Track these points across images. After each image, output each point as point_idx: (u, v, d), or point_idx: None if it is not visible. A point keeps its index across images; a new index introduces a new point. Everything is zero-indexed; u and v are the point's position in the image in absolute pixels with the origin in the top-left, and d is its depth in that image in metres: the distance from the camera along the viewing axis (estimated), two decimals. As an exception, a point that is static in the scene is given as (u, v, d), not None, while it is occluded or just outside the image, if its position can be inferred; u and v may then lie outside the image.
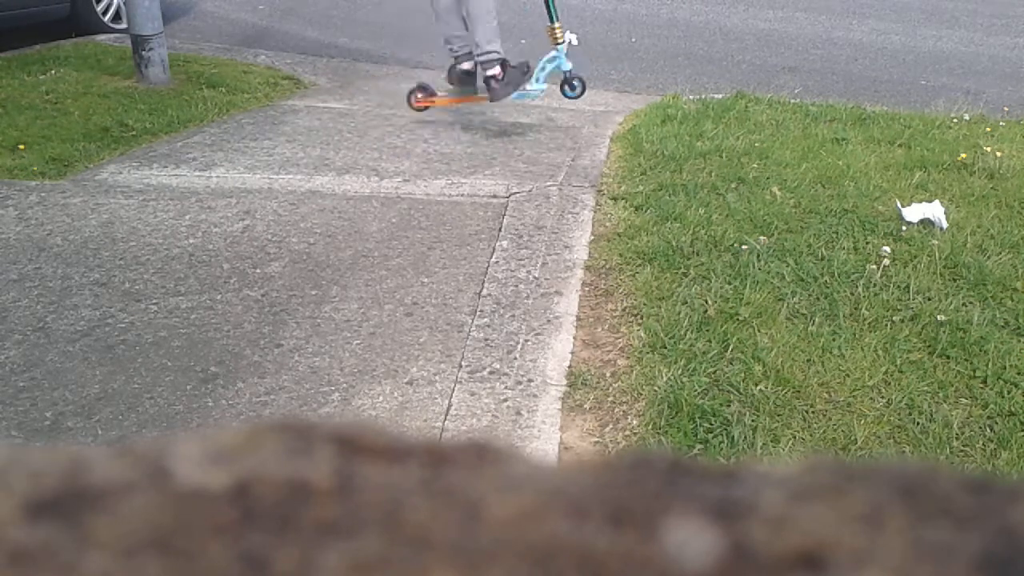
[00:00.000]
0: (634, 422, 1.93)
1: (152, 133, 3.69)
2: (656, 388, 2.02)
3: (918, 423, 1.96)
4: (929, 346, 2.26)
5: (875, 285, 2.52)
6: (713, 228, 2.86)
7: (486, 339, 2.20)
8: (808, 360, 2.17)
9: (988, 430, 1.96)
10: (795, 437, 1.90)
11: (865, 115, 4.31)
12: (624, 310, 2.39)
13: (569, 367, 2.10)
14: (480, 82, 3.79)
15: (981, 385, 2.11)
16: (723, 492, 0.15)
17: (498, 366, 2.08)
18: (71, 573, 0.13)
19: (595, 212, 3.04)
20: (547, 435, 1.85)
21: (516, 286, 2.48)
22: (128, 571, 0.13)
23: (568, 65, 3.79)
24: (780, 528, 0.14)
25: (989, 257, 2.74)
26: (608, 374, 2.10)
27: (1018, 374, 2.15)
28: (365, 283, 2.48)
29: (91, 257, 2.56)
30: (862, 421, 1.96)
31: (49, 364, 2.04)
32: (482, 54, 3.64)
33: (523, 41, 6.39)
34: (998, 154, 3.63)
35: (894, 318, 2.37)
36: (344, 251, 2.67)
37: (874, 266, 2.62)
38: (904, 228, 2.91)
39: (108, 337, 2.15)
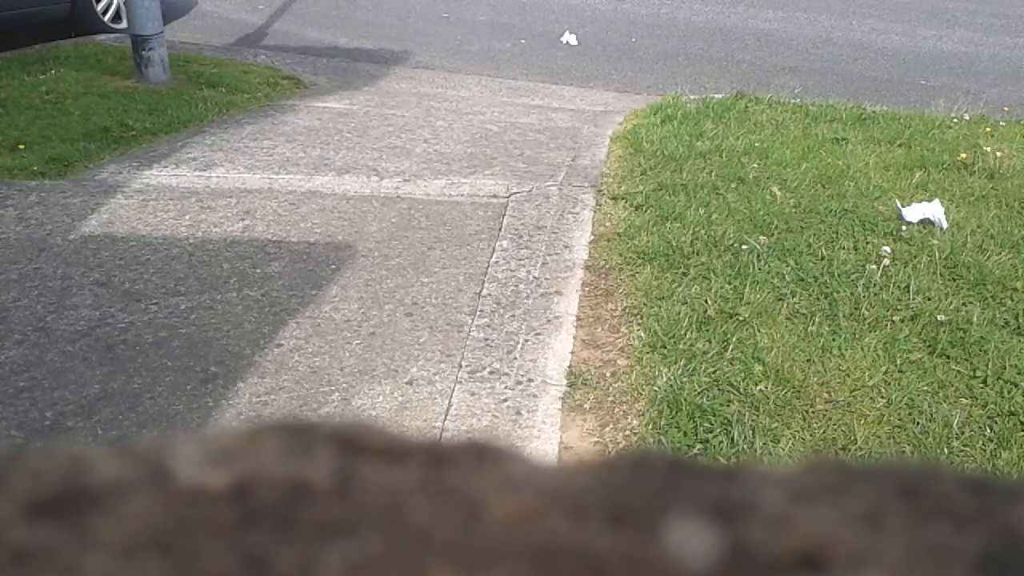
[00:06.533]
0: (634, 422, 1.93)
1: (152, 133, 3.69)
2: (656, 388, 2.02)
3: (918, 423, 1.96)
4: (929, 346, 2.26)
5: (875, 285, 2.52)
6: (713, 228, 2.86)
7: (486, 339, 2.20)
8: (808, 360, 2.17)
9: (988, 430, 1.96)
10: (795, 437, 1.90)
11: (865, 115, 4.31)
12: (624, 310, 2.39)
13: (569, 367, 2.10)
14: None
15: (981, 385, 2.11)
16: (723, 492, 0.15)
17: (498, 366, 2.08)
18: (71, 573, 0.13)
19: (595, 212, 3.04)
20: (547, 435, 1.85)
21: (516, 286, 2.48)
22: (128, 571, 0.13)
23: None
24: (780, 528, 0.14)
25: (989, 257, 2.74)
26: (608, 374, 2.10)
27: (1018, 374, 2.15)
28: (365, 283, 2.48)
29: (91, 257, 2.56)
30: (862, 421, 1.96)
31: (49, 364, 2.04)
32: None
33: (523, 41, 6.39)
34: (998, 154, 3.63)
35: (894, 318, 2.37)
36: (344, 251, 2.67)
37: (874, 266, 2.62)
38: (904, 228, 2.91)
39: (108, 337, 2.15)
